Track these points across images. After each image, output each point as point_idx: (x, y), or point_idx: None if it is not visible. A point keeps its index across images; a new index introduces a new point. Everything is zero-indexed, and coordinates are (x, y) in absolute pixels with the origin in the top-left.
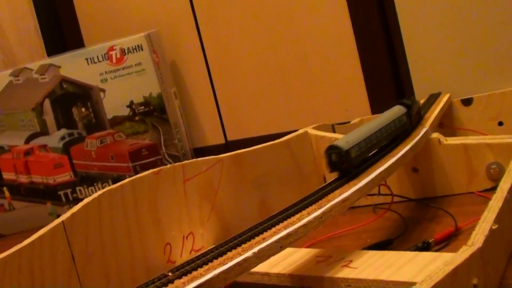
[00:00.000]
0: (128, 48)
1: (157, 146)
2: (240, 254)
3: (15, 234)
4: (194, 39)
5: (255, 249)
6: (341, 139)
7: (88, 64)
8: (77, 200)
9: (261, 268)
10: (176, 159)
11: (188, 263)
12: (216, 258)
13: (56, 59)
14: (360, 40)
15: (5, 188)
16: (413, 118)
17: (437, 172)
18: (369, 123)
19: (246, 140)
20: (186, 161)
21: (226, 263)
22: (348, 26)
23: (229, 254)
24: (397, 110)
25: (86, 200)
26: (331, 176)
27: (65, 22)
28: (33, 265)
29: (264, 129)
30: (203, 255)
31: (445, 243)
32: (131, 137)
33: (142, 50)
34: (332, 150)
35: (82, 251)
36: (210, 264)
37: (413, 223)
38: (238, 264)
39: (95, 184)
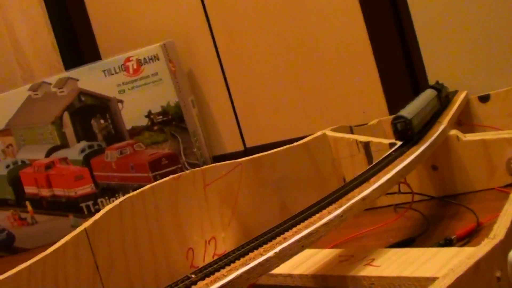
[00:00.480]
0: (144, 58)
1: (177, 155)
2: (262, 254)
3: (38, 248)
4: (210, 47)
5: (277, 249)
6: (402, 111)
7: (106, 76)
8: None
9: (283, 270)
10: (196, 167)
11: (210, 264)
12: (238, 259)
13: (73, 72)
14: (374, 41)
15: (27, 202)
16: (442, 101)
17: (456, 169)
18: (417, 99)
19: (264, 146)
20: (205, 166)
21: (248, 263)
22: (362, 28)
23: (251, 254)
24: (430, 92)
25: (107, 208)
26: (351, 177)
27: (81, 36)
28: (57, 273)
29: (282, 134)
30: (225, 256)
31: (467, 239)
32: (151, 147)
33: (158, 60)
34: (398, 119)
35: (105, 258)
36: (232, 265)
37: (435, 221)
38: (260, 264)
39: (116, 195)
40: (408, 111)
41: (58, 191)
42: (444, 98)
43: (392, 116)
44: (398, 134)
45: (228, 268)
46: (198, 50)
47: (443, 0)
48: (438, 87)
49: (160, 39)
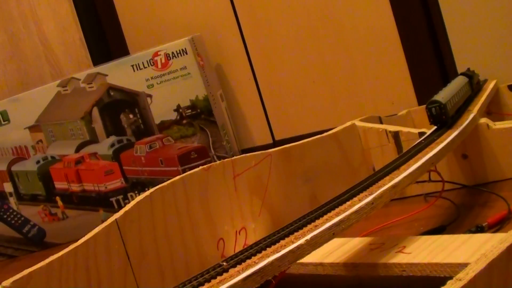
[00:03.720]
0: (172, 52)
1: (206, 148)
2: (293, 242)
3: (69, 243)
4: (238, 41)
5: (308, 237)
6: (436, 96)
7: (134, 70)
8: None
9: (314, 258)
10: None
11: (241, 252)
12: (269, 246)
13: (102, 68)
14: (403, 32)
15: (57, 198)
16: (475, 86)
17: (487, 158)
18: (449, 85)
19: (293, 139)
20: (235, 157)
21: (280, 251)
22: (390, 19)
23: (282, 242)
24: (461, 79)
25: (138, 198)
26: (380, 167)
27: (109, 31)
28: (88, 263)
29: (311, 127)
30: (256, 244)
31: (498, 226)
32: (180, 141)
33: (186, 54)
34: (433, 104)
35: (136, 248)
36: (263, 252)
37: (466, 209)
38: (291, 251)
39: (146, 189)
40: (441, 96)
41: (88, 186)
42: (475, 84)
43: (424, 105)
44: (433, 119)
45: (259, 255)
46: (226, 44)
47: None
48: (470, 74)
49: (188, 33)
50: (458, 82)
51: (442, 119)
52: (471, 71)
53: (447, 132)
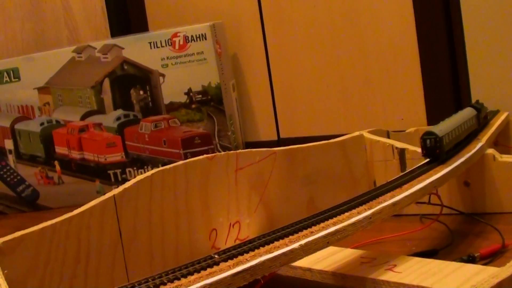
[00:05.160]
0: (192, 36)
1: (211, 135)
2: (287, 245)
3: (60, 208)
4: (258, 34)
5: (302, 242)
6: (435, 127)
7: (151, 48)
8: (125, 181)
9: (304, 263)
10: (227, 150)
11: (234, 247)
12: (263, 245)
13: (119, 40)
14: (423, 51)
15: (56, 162)
16: (482, 120)
17: (488, 188)
18: (454, 116)
19: (298, 139)
20: (240, 150)
21: (273, 252)
22: (412, 36)
23: (276, 243)
24: (469, 112)
25: (139, 177)
26: (381, 182)
27: (132, 5)
28: (81, 235)
29: (317, 130)
30: (250, 241)
31: (490, 258)
32: (186, 124)
33: (205, 39)
34: (428, 136)
35: (130, 227)
36: (256, 250)
37: (460, 236)
38: (284, 254)
39: (145, 167)
40: (440, 128)
41: (88, 155)
42: (483, 119)
43: (425, 129)
44: (426, 151)
45: (252, 253)
46: (246, 35)
47: (496, 20)
48: (478, 107)
49: (209, 19)
50: (464, 115)
51: (436, 153)
52: (479, 104)
53: (436, 168)
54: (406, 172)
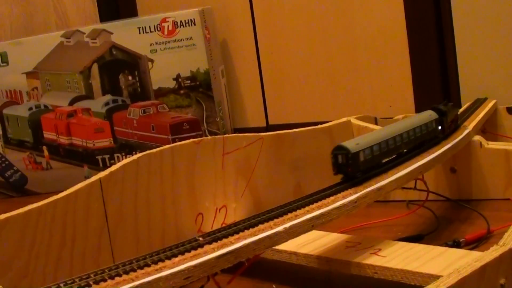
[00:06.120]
0: (181, 21)
1: (199, 121)
2: (271, 228)
3: (49, 193)
4: (247, 19)
5: (287, 225)
6: (352, 140)
7: (140, 33)
8: None
9: (289, 247)
10: None
11: (219, 230)
12: (248, 228)
13: (108, 25)
14: (412, 38)
15: (44, 147)
16: (447, 126)
17: (475, 175)
18: (390, 125)
19: (287, 125)
20: (227, 135)
21: (257, 235)
22: (401, 23)
23: (261, 226)
24: (426, 116)
25: (125, 161)
26: None
27: None
28: (66, 218)
29: (305, 117)
30: (235, 224)
31: (475, 244)
32: (174, 110)
33: (194, 25)
34: (339, 150)
35: (116, 210)
36: (241, 233)
37: (446, 222)
38: (268, 237)
39: (133, 152)
40: (358, 141)
41: (77, 141)
42: (450, 123)
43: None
44: (336, 168)
45: (236, 236)
46: (235, 21)
47: (486, 8)
48: (443, 110)
49: (198, 4)
50: (412, 122)
51: (347, 171)
52: (447, 106)
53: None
54: (390, 158)
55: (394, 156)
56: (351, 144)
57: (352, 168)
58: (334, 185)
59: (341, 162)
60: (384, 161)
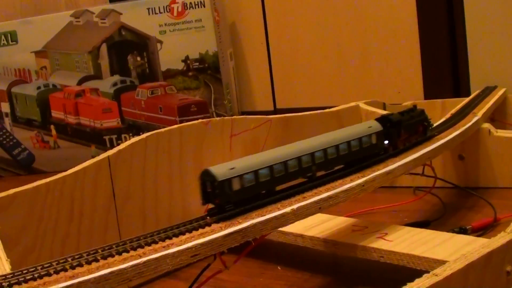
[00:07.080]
0: (190, 3)
1: (207, 104)
2: (279, 209)
3: (56, 172)
4: (257, 3)
5: (294, 206)
6: (228, 164)
7: (149, 14)
8: None
9: (296, 229)
10: None
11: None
12: (256, 209)
13: (118, 6)
14: (422, 25)
15: (52, 126)
16: (402, 140)
17: (483, 163)
18: (304, 141)
19: (294, 110)
20: (235, 117)
21: (264, 215)
22: (412, 9)
23: (269, 207)
24: (364, 128)
25: (133, 140)
26: None
27: None
28: (74, 194)
29: (313, 101)
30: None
31: (481, 231)
32: (182, 92)
33: (204, 7)
34: (206, 177)
35: (123, 188)
36: (248, 214)
37: (452, 208)
38: (275, 217)
39: (140, 133)
40: (237, 165)
41: (84, 120)
42: (410, 135)
43: (430, 100)
44: (204, 197)
45: (244, 216)
46: (245, 4)
47: None
48: (394, 120)
49: None
50: (334, 136)
51: (215, 202)
52: (408, 114)
53: (362, 172)
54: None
55: (305, 180)
56: (222, 170)
57: (221, 199)
58: (342, 169)
59: (209, 190)
60: (279, 188)
